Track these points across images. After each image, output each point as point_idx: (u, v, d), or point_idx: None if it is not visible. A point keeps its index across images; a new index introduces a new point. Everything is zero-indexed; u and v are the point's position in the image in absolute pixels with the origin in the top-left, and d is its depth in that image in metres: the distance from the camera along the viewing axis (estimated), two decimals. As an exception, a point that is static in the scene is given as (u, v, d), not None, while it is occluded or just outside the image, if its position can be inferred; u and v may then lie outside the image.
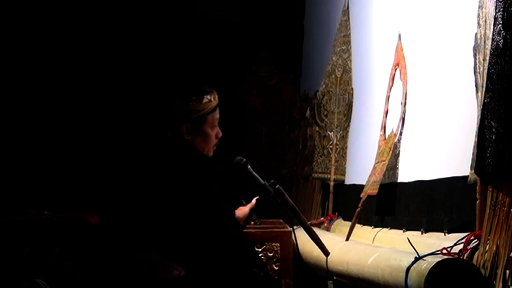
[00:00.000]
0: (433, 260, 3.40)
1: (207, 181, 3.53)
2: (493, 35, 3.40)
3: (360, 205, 4.85)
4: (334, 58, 6.06)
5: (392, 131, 4.74)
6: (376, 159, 4.90)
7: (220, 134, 3.71)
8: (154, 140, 3.68)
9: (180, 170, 3.53)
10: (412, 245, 3.62)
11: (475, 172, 3.51)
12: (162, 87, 4.06)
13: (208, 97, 3.66)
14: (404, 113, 4.60)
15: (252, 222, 3.99)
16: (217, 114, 3.70)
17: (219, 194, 3.56)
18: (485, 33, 3.57)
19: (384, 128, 4.91)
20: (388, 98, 4.89)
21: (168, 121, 3.61)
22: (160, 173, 3.56)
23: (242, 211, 3.92)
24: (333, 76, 6.01)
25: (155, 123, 3.66)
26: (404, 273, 3.55)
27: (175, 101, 3.62)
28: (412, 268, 3.51)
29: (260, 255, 4.17)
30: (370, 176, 4.89)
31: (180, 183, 3.51)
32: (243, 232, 3.81)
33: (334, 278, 4.76)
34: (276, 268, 4.22)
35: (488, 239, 3.38)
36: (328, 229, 5.63)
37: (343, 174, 5.81)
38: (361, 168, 5.20)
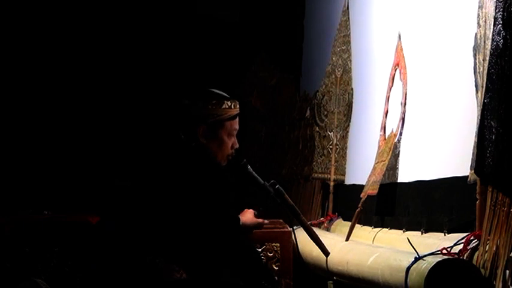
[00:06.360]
0: (433, 260, 3.40)
1: (213, 187, 3.54)
2: (493, 35, 3.40)
3: (359, 205, 4.85)
4: (334, 58, 6.05)
5: (392, 131, 4.74)
6: (376, 159, 4.90)
7: (237, 145, 3.71)
8: (167, 141, 3.69)
9: (188, 174, 3.53)
10: (412, 245, 3.62)
11: (475, 172, 3.51)
12: (183, 89, 4.07)
13: (229, 103, 3.67)
14: (404, 113, 4.60)
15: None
16: (236, 124, 3.70)
17: (225, 201, 3.57)
18: (485, 33, 3.57)
19: (383, 128, 4.91)
20: (388, 98, 4.89)
21: (186, 122, 3.61)
22: (167, 175, 3.56)
23: (248, 217, 3.90)
24: (333, 76, 6.01)
25: (172, 123, 3.67)
26: (404, 273, 3.55)
27: (195, 102, 3.62)
28: (412, 268, 3.51)
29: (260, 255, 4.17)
30: (370, 176, 4.89)
31: (187, 187, 3.51)
32: (249, 240, 3.82)
33: (334, 278, 4.75)
34: (276, 268, 4.22)
35: (488, 239, 3.37)
36: (328, 229, 5.63)
37: (343, 174, 5.80)
38: (361, 168, 5.20)
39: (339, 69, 5.94)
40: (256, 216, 3.92)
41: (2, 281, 4.64)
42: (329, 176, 5.94)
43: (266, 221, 4.01)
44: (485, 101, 3.41)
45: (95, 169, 7.37)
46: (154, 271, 3.45)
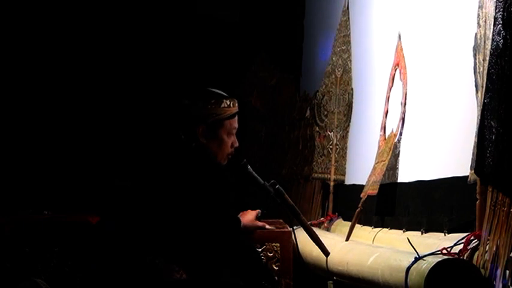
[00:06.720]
0: (433, 260, 3.39)
1: (214, 187, 3.53)
2: (493, 35, 3.40)
3: (359, 205, 4.85)
4: (334, 58, 6.05)
5: (392, 131, 4.74)
6: (376, 159, 4.90)
7: (237, 144, 3.71)
8: (167, 141, 3.69)
9: (188, 174, 3.53)
10: (412, 245, 3.62)
11: (475, 172, 3.51)
12: (182, 90, 4.07)
13: (228, 102, 3.67)
14: (404, 113, 4.60)
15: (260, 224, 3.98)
16: (235, 123, 3.70)
17: (226, 201, 3.56)
18: (485, 33, 3.57)
19: (383, 128, 4.91)
20: (388, 98, 4.89)
21: (185, 122, 3.62)
22: (167, 175, 3.56)
23: (248, 219, 3.89)
24: (333, 76, 6.01)
25: (172, 123, 3.67)
26: (404, 273, 3.55)
27: (194, 102, 3.63)
28: (412, 268, 3.50)
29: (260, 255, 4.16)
30: (370, 176, 4.89)
31: (187, 187, 3.51)
32: (249, 240, 3.82)
33: (334, 278, 4.75)
34: (276, 268, 4.22)
35: (488, 239, 3.37)
36: (328, 229, 5.63)
37: (343, 174, 5.81)
38: (361, 168, 5.20)
39: (339, 69, 5.94)
40: (258, 218, 3.92)
41: (2, 281, 4.64)
42: (329, 176, 5.94)
43: (268, 226, 4.00)
44: (485, 101, 3.41)
45: (95, 169, 7.37)
46: (154, 271, 3.45)
